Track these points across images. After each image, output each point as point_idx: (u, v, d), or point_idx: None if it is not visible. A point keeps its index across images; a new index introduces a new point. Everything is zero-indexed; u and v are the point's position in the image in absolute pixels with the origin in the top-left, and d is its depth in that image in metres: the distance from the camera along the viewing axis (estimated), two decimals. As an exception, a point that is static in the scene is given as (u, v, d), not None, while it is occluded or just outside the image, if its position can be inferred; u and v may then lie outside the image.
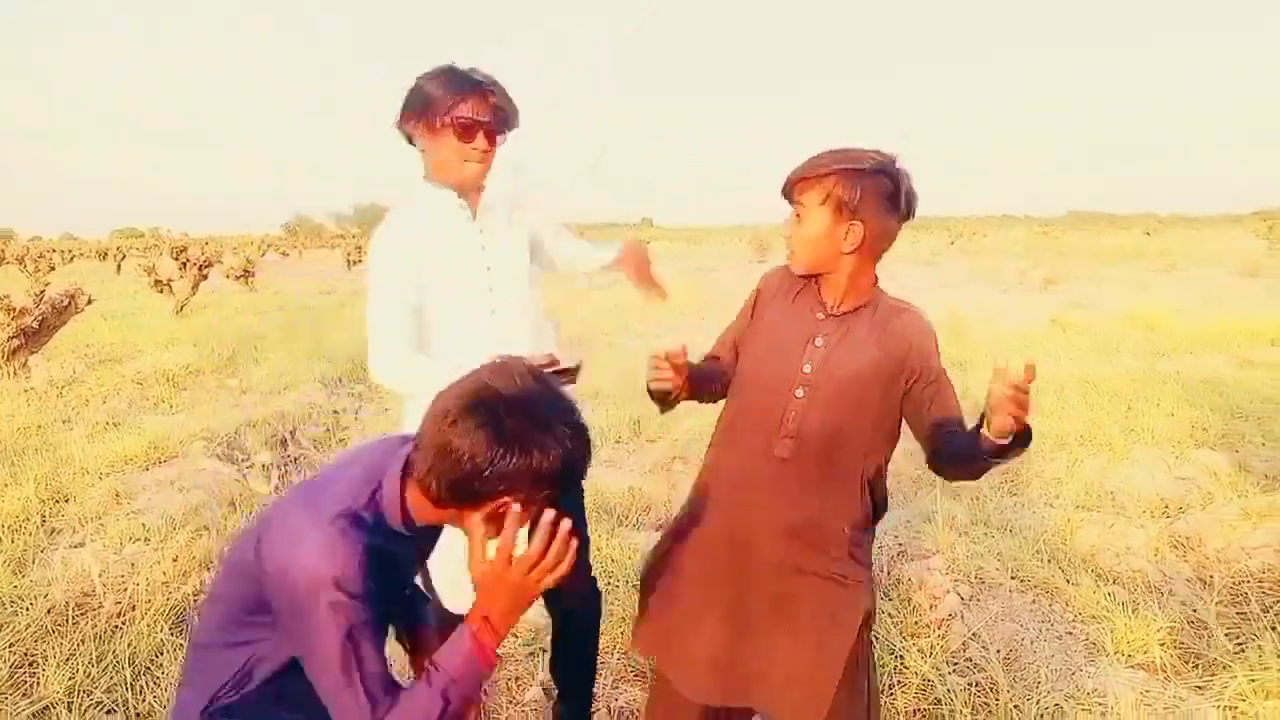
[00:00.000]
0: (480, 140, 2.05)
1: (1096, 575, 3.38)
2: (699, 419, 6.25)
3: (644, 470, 5.10)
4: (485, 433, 1.27)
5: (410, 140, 2.13)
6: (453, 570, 2.01)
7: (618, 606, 3.22)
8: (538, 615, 3.01)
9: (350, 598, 1.26)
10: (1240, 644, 2.88)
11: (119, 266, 29.49)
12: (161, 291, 13.40)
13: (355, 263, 28.87)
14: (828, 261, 1.76)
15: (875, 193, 1.68)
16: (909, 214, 1.74)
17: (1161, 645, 2.76)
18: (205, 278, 14.13)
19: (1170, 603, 3.19)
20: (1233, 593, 3.29)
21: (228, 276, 18.14)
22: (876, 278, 1.80)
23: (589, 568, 2.41)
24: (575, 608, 2.38)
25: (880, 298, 1.80)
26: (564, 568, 1.32)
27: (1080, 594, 3.16)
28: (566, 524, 1.30)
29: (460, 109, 2.01)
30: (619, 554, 3.65)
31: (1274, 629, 2.97)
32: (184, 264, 13.92)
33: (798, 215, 1.75)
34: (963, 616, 3.04)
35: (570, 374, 1.94)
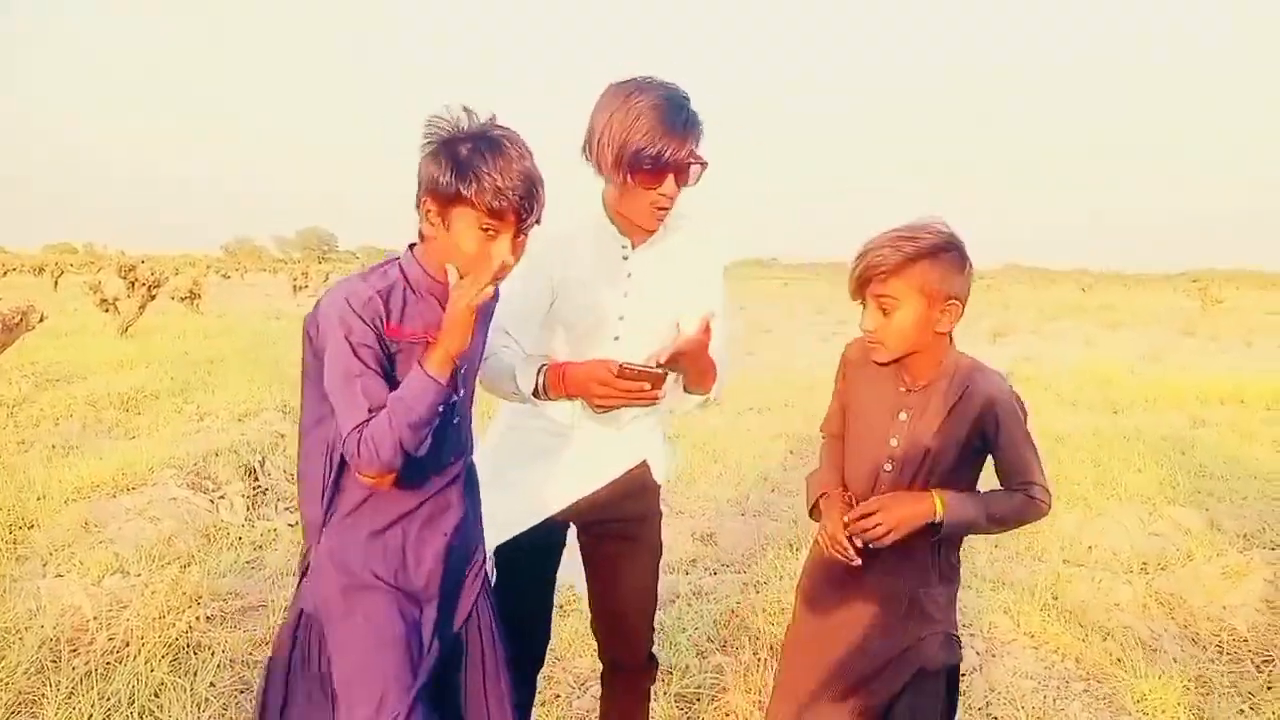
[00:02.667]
0: (669, 185, 1.81)
1: (1089, 630, 3.42)
2: (684, 443, 6.27)
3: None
4: (441, 155, 1.48)
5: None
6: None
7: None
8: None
9: (359, 318, 1.47)
10: (1239, 702, 2.93)
11: (56, 283, 28.68)
12: (107, 310, 13.00)
13: (301, 288, 28.35)
14: (920, 345, 1.75)
15: (957, 267, 1.70)
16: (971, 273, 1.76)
17: (1177, 705, 2.80)
18: (153, 298, 13.76)
19: (1161, 659, 3.24)
20: (1219, 650, 3.35)
21: (172, 298, 17.72)
22: (952, 339, 1.81)
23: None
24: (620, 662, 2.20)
25: (958, 361, 1.80)
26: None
27: (1089, 650, 3.19)
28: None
29: (665, 151, 1.76)
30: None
31: (1269, 688, 3.04)
32: (132, 283, 13.55)
33: (883, 309, 1.72)
34: (980, 671, 3.05)
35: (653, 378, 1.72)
